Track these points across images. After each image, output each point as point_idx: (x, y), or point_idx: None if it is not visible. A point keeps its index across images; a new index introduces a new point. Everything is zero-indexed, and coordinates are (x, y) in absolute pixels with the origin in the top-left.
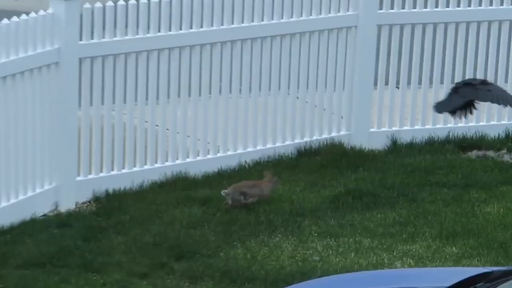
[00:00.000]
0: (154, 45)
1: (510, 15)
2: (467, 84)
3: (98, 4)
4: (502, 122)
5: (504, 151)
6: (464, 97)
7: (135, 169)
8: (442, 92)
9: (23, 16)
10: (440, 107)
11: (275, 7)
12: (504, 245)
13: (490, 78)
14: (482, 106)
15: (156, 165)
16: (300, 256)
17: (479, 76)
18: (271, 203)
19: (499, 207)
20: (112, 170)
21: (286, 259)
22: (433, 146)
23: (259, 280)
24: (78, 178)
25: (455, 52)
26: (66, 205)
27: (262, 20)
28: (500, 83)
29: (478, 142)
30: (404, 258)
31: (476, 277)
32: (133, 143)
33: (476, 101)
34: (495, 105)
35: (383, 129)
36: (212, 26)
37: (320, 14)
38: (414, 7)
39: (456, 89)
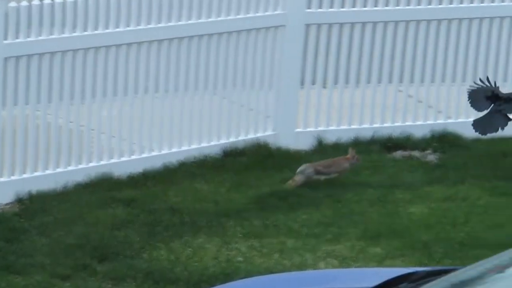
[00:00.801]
0: (80, 44)
1: (437, 15)
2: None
3: (24, 3)
4: (428, 122)
5: (429, 151)
6: (505, 115)
7: (59, 170)
8: (369, 92)
9: None
10: (484, 129)
11: (203, 6)
12: (428, 246)
13: (420, 78)
14: (409, 105)
15: (81, 166)
16: (223, 257)
17: (406, 77)
18: (195, 203)
19: (423, 208)
20: (36, 171)
21: (210, 260)
22: (359, 146)
23: (182, 281)
24: (1, 180)
25: (383, 51)
26: None
27: (190, 20)
28: (427, 83)
29: (403, 142)
30: (328, 259)
31: (400, 277)
32: (58, 144)
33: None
34: (421, 105)
35: (309, 129)
36: (139, 25)
37: (248, 13)
38: (343, 7)
39: (498, 106)
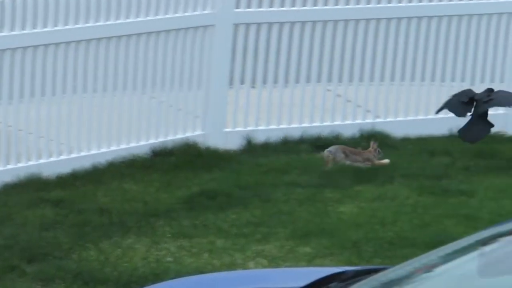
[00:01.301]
0: (7, 44)
1: (366, 14)
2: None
3: None
4: (357, 121)
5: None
6: (487, 121)
7: None
8: (298, 92)
9: None
10: (471, 137)
11: (132, 6)
12: (357, 245)
13: (349, 77)
14: (338, 104)
15: (9, 167)
16: (153, 257)
17: (335, 76)
18: (124, 203)
19: (352, 207)
20: None
21: (139, 261)
22: (288, 146)
23: (111, 281)
24: None
25: (312, 51)
26: None
27: (118, 19)
28: (356, 82)
29: (332, 142)
30: (258, 258)
31: (329, 277)
32: None
33: None
34: (350, 104)
35: (238, 129)
36: (67, 25)
37: (177, 13)
38: (272, 6)
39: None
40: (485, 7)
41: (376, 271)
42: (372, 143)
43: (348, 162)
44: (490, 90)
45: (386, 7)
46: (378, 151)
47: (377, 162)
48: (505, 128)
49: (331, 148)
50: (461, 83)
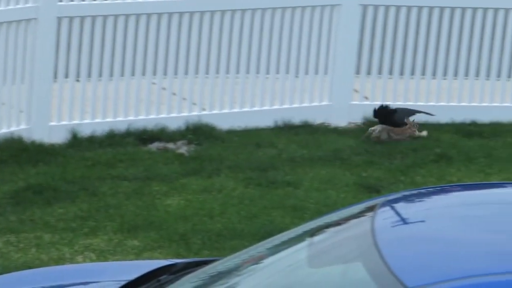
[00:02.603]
0: None
1: (190, 7)
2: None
3: None
4: (183, 114)
5: (185, 143)
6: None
7: None
8: (122, 85)
9: None
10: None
11: None
12: (185, 237)
13: (174, 70)
14: (163, 98)
15: None
16: None
17: (160, 69)
18: None
19: (179, 200)
20: None
21: None
22: (114, 139)
23: None
24: None
25: (136, 44)
26: None
27: None
28: (181, 75)
29: (158, 135)
30: (86, 253)
31: (159, 269)
32: None
33: None
34: (176, 97)
35: (63, 122)
36: None
37: (0, 6)
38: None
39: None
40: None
41: (205, 263)
42: (406, 120)
43: (393, 137)
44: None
45: (210, 0)
46: (415, 124)
47: (417, 133)
48: (329, 119)
49: (377, 127)
50: (286, 74)
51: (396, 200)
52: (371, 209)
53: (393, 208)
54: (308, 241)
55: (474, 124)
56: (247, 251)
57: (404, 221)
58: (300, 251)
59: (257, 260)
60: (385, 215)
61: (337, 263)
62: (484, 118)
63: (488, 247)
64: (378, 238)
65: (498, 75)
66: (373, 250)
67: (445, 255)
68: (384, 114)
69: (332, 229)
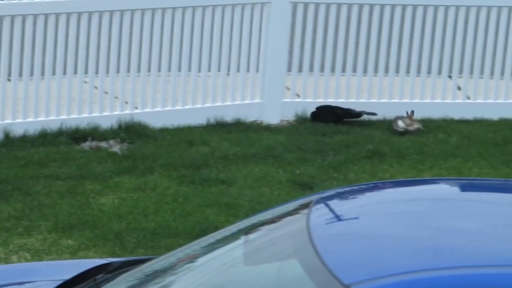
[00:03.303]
0: None
1: (121, 6)
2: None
3: None
4: (115, 112)
5: (117, 141)
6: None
7: None
8: (54, 84)
9: None
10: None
11: None
12: (120, 236)
13: (105, 69)
14: (95, 96)
15: None
16: None
17: (91, 68)
18: None
19: (113, 198)
20: None
21: None
22: (46, 138)
23: None
24: None
25: (67, 43)
26: None
27: None
28: (113, 74)
29: (91, 133)
30: (21, 252)
31: (95, 268)
32: None
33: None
34: (108, 96)
35: None
36: None
37: None
38: None
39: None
40: None
41: (141, 261)
42: (407, 113)
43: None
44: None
45: None
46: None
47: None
48: (261, 117)
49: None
50: (218, 72)
51: (331, 197)
52: (306, 206)
53: (327, 205)
54: (243, 239)
55: None
56: (183, 249)
57: (339, 218)
58: (236, 249)
59: (193, 258)
60: (320, 212)
61: (273, 261)
62: (416, 114)
63: (422, 243)
64: (314, 235)
65: (429, 71)
66: (309, 247)
67: (380, 251)
68: (326, 113)
69: (267, 227)
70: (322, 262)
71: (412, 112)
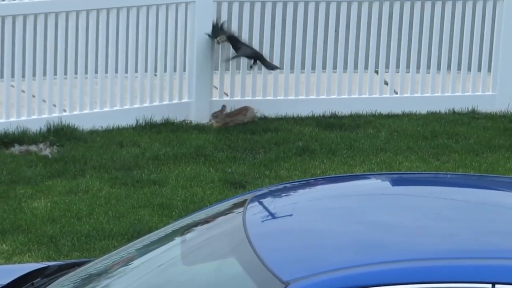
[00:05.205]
0: None
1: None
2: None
3: None
4: (43, 116)
5: (47, 145)
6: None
7: None
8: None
9: None
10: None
11: None
12: (54, 239)
13: (32, 73)
14: (23, 100)
15: None
16: None
17: (18, 72)
18: None
19: (46, 202)
20: None
21: None
22: None
23: None
24: None
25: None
26: None
27: None
28: (39, 78)
29: (20, 137)
30: None
31: (32, 273)
32: None
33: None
34: (36, 99)
35: None
36: None
37: None
38: None
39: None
40: None
41: (78, 264)
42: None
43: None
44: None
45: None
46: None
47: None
48: (190, 116)
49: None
50: (145, 73)
51: (265, 195)
52: (241, 204)
53: (262, 203)
54: (180, 239)
55: (334, 116)
56: (119, 251)
57: (274, 215)
58: (173, 249)
59: (131, 259)
60: (255, 210)
61: (212, 260)
62: (344, 110)
63: (357, 238)
64: (250, 233)
65: (355, 67)
66: (246, 245)
67: (317, 247)
68: (232, 42)
69: (204, 226)
70: (260, 260)
71: (223, 106)
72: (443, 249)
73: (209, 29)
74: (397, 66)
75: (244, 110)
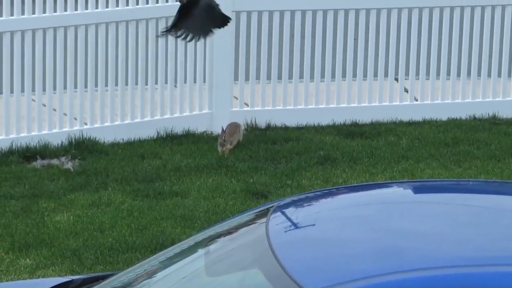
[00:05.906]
0: None
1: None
2: None
3: None
4: (64, 129)
5: (69, 158)
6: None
7: None
8: (2, 102)
9: None
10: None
11: None
12: (78, 253)
13: (53, 86)
14: (44, 114)
15: None
16: None
17: (38, 85)
18: None
19: (68, 215)
20: None
21: None
22: None
23: None
24: None
25: (12, 60)
26: None
27: None
28: (60, 91)
29: (42, 151)
30: None
31: (56, 287)
32: None
33: None
34: (57, 113)
35: None
36: None
37: None
38: None
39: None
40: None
41: (103, 278)
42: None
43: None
44: None
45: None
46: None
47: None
48: (211, 127)
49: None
50: (165, 84)
51: (287, 205)
52: (264, 214)
53: (285, 213)
54: (204, 250)
55: (355, 124)
56: (143, 264)
57: (297, 225)
58: (196, 260)
59: (155, 272)
60: (278, 220)
61: (235, 271)
62: (365, 118)
63: (381, 246)
64: (274, 243)
65: (375, 75)
66: (269, 255)
67: (341, 256)
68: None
69: (227, 237)
70: (284, 270)
71: (222, 129)
72: (467, 257)
73: (229, 40)
74: (417, 73)
75: (235, 127)
